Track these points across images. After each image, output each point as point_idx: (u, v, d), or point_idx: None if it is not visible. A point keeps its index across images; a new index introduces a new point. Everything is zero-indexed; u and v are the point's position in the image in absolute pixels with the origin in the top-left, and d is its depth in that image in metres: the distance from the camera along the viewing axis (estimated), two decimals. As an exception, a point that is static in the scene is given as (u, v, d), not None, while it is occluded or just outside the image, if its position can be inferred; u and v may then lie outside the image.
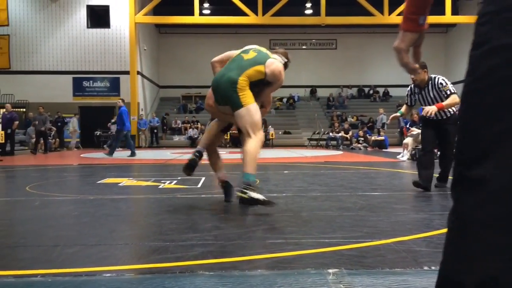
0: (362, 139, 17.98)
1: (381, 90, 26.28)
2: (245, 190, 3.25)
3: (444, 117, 4.71)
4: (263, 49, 3.90)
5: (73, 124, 18.81)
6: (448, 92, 4.60)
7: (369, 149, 17.10)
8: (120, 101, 12.83)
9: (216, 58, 3.97)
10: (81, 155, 14.04)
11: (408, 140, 10.72)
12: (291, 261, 2.18)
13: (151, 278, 1.93)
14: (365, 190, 4.89)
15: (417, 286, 1.79)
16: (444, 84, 4.65)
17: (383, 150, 16.32)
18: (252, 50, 3.80)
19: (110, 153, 12.33)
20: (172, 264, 2.15)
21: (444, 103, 4.54)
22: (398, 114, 5.12)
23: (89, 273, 2.02)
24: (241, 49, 3.88)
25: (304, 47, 27.09)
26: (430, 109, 4.47)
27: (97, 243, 2.58)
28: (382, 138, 17.29)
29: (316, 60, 26.67)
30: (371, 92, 26.63)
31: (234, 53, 3.89)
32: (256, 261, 2.18)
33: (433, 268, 2.03)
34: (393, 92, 25.68)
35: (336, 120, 21.91)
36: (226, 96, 3.56)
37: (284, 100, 25.87)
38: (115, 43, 20.66)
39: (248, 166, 3.39)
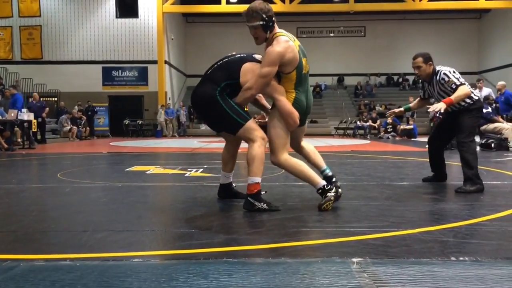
0: (391, 127, 17.68)
1: (410, 78, 25.74)
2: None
3: (455, 109, 4.14)
4: (296, 42, 3.21)
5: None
6: (454, 86, 4.03)
7: (397, 138, 16.82)
8: (12, 88, 12.39)
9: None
10: (110, 143, 14.33)
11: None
12: (315, 250, 2.17)
13: (176, 264, 1.96)
14: (392, 180, 4.82)
15: (444, 276, 1.76)
16: (447, 79, 4.07)
17: (412, 139, 16.02)
18: (304, 58, 3.20)
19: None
20: (197, 250, 2.17)
21: (453, 96, 3.97)
22: (400, 109, 4.61)
23: (116, 258, 2.06)
24: (299, 65, 3.13)
25: (332, 35, 26.73)
26: (438, 106, 3.92)
27: (124, 229, 2.64)
28: (411, 127, 16.98)
29: (344, 48, 26.30)
30: (400, 80, 26.12)
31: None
32: (280, 249, 2.18)
33: (460, 259, 1.99)
34: (423, 80, 25.14)
35: (364, 109, 21.62)
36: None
37: (311, 88, 25.66)
38: (143, 32, 20.89)
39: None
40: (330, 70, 26.24)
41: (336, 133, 20.21)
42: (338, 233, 2.47)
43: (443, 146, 4.56)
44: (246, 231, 2.62)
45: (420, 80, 4.51)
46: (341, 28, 26.51)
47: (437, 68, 4.19)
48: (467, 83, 4.14)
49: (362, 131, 18.63)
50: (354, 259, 1.98)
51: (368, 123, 18.73)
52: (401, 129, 17.23)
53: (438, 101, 4.18)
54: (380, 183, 4.56)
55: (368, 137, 17.89)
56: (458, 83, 4.04)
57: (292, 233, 2.50)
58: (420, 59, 4.15)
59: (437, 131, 4.54)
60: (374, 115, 19.40)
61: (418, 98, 4.62)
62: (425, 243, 2.27)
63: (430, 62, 4.18)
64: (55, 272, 1.85)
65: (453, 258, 2.00)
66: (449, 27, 25.43)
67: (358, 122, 19.25)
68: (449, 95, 4.05)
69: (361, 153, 9.28)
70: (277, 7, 20.15)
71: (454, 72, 4.13)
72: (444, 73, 4.10)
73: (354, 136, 18.65)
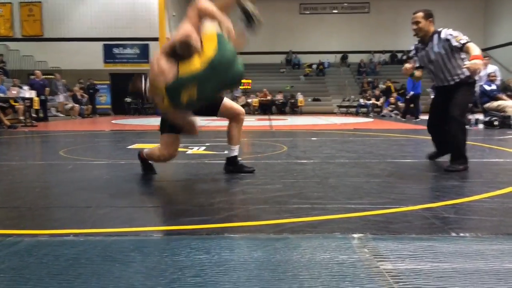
0: (394, 106, 17.58)
1: (414, 55, 25.48)
2: None
3: (452, 82, 3.90)
4: None
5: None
6: (462, 42, 3.69)
7: (400, 116, 16.74)
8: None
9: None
10: (112, 121, 14.33)
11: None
12: (317, 226, 2.18)
13: (179, 239, 1.97)
14: (394, 157, 4.81)
15: (444, 252, 1.77)
16: (455, 34, 3.75)
17: (415, 117, 15.93)
18: None
19: None
20: (199, 226, 2.19)
21: (476, 53, 3.54)
22: (412, 69, 4.16)
23: (119, 233, 2.08)
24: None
25: (335, 11, 26.35)
26: (476, 65, 3.46)
27: (127, 205, 2.65)
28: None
29: (347, 25, 25.95)
30: (404, 57, 25.85)
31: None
32: (281, 225, 2.19)
33: (461, 234, 2.00)
34: (427, 57, 24.83)
35: (367, 87, 21.48)
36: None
37: (314, 66, 25.46)
38: (144, 9, 20.62)
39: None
40: (333, 47, 25.96)
41: (339, 111, 20.14)
42: (340, 210, 2.48)
43: (443, 126, 4.22)
44: (247, 207, 2.63)
45: (413, 47, 4.17)
46: (345, 4, 26.12)
47: (439, 29, 3.87)
48: None
49: (365, 109, 18.55)
50: (355, 235, 1.99)
51: (371, 101, 18.63)
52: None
53: (432, 67, 3.91)
54: (382, 160, 4.56)
55: (371, 115, 17.82)
56: (467, 39, 3.72)
57: (293, 210, 2.52)
58: (420, 14, 3.89)
59: (433, 115, 4.29)
60: (377, 93, 19.27)
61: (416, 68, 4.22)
62: (426, 219, 2.28)
63: (431, 19, 3.90)
64: (59, 246, 1.87)
65: (453, 234, 2.01)
66: (455, 3, 25.03)
67: (361, 100, 19.14)
68: (449, 57, 3.81)
69: (364, 131, 9.26)
70: (280, -18, 19.80)
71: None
72: (451, 30, 3.80)
73: (356, 114, 18.58)
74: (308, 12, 26.09)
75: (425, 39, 3.94)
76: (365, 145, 6.26)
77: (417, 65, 4.17)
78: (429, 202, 2.67)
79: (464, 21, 24.93)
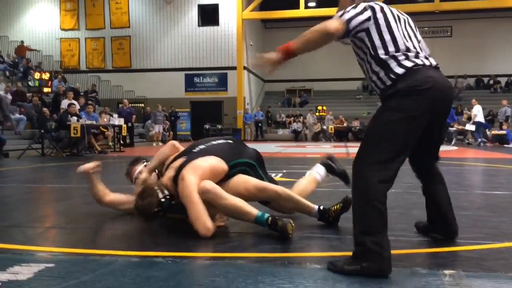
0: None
1: (503, 80, 23.99)
2: None
3: (380, 87, 2.14)
4: None
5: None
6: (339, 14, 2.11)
7: (488, 144, 15.72)
8: None
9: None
10: (192, 147, 14.89)
11: (535, 135, 9.65)
12: (402, 259, 2.10)
13: (261, 267, 2.00)
14: (484, 189, 4.52)
15: (549, 295, 1.62)
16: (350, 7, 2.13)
17: (505, 145, 14.90)
18: None
19: None
20: (281, 254, 2.20)
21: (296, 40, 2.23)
22: None
23: (207, 258, 2.15)
24: None
25: (414, 36, 25.68)
26: (263, 61, 2.24)
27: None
28: (504, 132, 15.79)
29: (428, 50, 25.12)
30: (491, 82, 24.44)
31: None
32: (365, 257, 2.13)
33: None
34: (517, 81, 23.28)
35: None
36: None
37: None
38: (223, 39, 21.51)
39: None
40: (412, 72, 25.21)
41: (419, 138, 19.32)
42: (426, 243, 2.37)
43: (431, 163, 2.44)
44: (328, 237, 2.60)
45: None
46: (426, 28, 25.37)
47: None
48: (362, 17, 2.08)
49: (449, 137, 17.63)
50: (446, 271, 1.89)
51: (454, 128, 17.70)
52: (493, 134, 16.08)
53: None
54: (470, 192, 4.30)
55: (454, 142, 16.90)
56: (339, 13, 2.12)
57: (377, 241, 2.44)
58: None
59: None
60: (464, 118, 18.21)
61: None
62: (525, 258, 2.11)
63: None
64: (149, 268, 1.97)
65: (559, 276, 1.84)
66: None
67: (443, 127, 18.23)
68: (357, 45, 2.19)
69: (447, 159, 8.80)
70: (356, 9, 19.71)
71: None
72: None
73: (438, 141, 17.69)
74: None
75: None
76: (449, 174, 5.94)
77: None
78: (527, 238, 2.47)
79: (504, 45, 23.15)
